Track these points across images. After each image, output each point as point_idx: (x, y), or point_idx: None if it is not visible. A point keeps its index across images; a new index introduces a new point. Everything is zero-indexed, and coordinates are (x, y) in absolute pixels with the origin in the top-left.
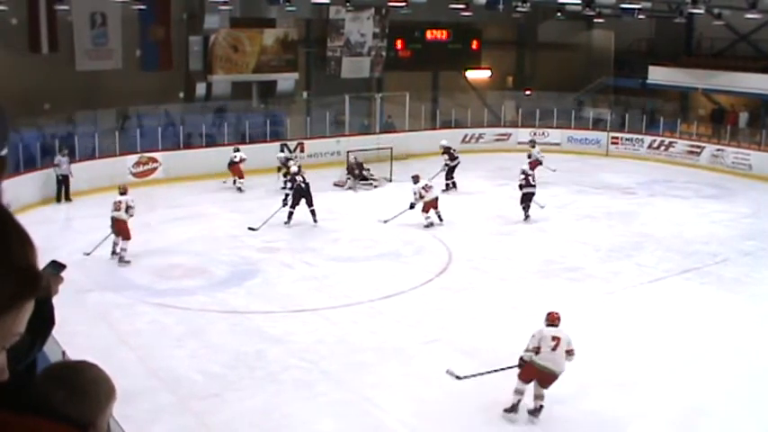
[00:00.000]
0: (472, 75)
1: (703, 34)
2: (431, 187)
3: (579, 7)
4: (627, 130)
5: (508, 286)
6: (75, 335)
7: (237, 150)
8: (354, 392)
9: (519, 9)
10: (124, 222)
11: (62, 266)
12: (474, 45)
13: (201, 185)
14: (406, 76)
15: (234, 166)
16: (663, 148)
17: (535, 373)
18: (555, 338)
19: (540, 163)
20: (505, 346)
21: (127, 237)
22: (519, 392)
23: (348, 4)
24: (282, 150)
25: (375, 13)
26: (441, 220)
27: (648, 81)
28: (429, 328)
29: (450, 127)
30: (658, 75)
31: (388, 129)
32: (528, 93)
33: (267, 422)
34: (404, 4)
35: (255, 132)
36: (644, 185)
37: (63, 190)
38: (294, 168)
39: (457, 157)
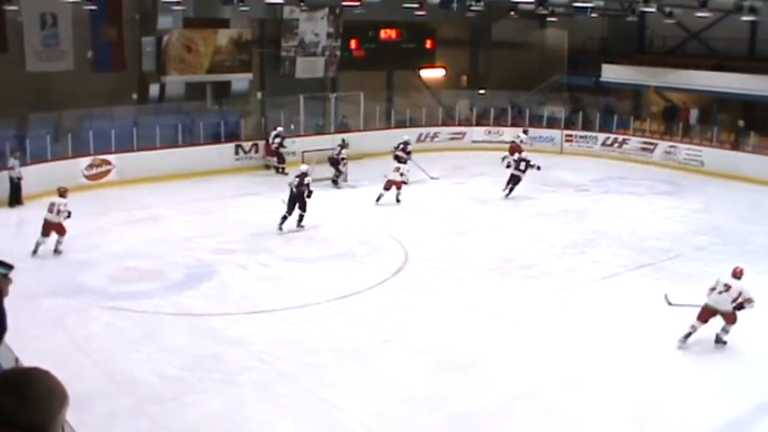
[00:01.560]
0: (426, 74)
1: (655, 32)
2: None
3: (532, 6)
4: (581, 128)
5: (464, 285)
6: (29, 340)
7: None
8: (312, 393)
9: (473, 8)
10: (57, 224)
11: (9, 267)
12: (428, 44)
13: (156, 187)
14: (361, 76)
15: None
16: (616, 145)
17: (708, 312)
18: (726, 285)
19: (520, 151)
20: (462, 344)
21: (63, 233)
22: (692, 328)
23: (302, 4)
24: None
25: (329, 12)
26: (398, 201)
27: (601, 79)
28: (386, 328)
29: (404, 126)
30: (611, 73)
31: (342, 129)
32: (482, 91)
33: (225, 424)
34: (358, 3)
35: (210, 133)
36: (598, 182)
37: (15, 193)
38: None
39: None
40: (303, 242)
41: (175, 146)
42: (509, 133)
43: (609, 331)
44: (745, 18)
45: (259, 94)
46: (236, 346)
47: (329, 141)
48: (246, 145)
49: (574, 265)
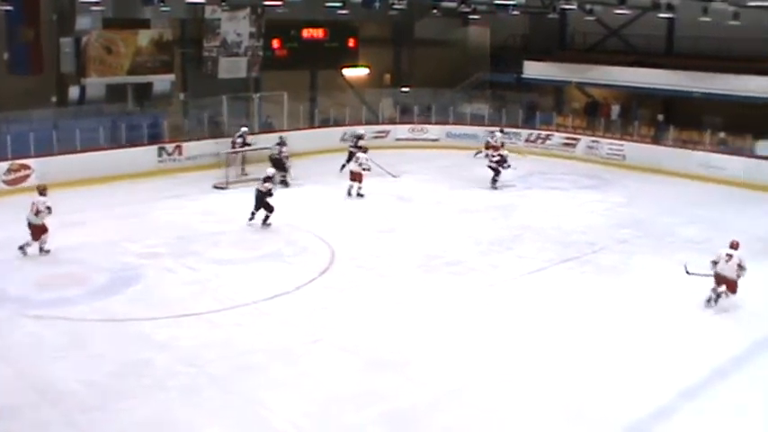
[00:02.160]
0: (350, 73)
1: (576, 29)
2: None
3: (455, 4)
4: (504, 125)
5: (391, 283)
6: None
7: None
8: (243, 395)
9: (395, 7)
10: (41, 226)
11: None
12: (351, 43)
13: (78, 191)
14: (284, 76)
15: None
16: (540, 141)
17: (720, 279)
18: (728, 255)
19: (496, 149)
20: (391, 342)
21: (45, 231)
22: (714, 291)
23: (223, 4)
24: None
25: (251, 12)
26: (360, 195)
27: (524, 76)
28: (315, 328)
29: (328, 125)
30: (533, 70)
31: (266, 129)
32: (405, 90)
33: (156, 431)
34: (280, 3)
35: (132, 135)
36: (522, 178)
37: None
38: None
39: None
40: (230, 244)
41: (97, 148)
42: (433, 131)
43: (536, 325)
44: (662, 15)
45: (181, 95)
46: (164, 351)
47: (252, 141)
48: (170, 147)
49: (500, 260)
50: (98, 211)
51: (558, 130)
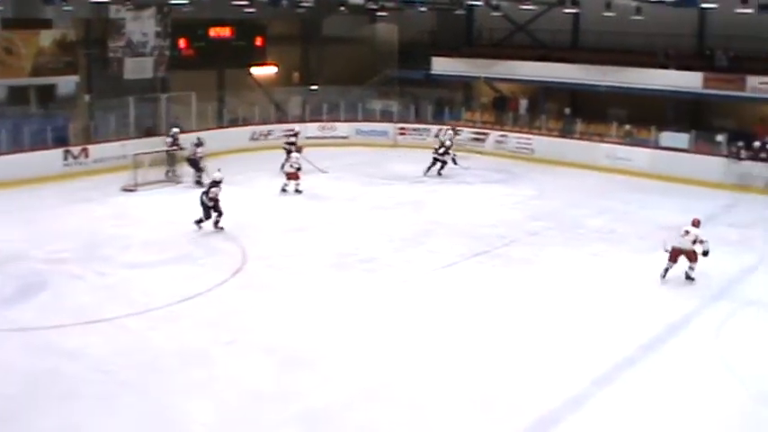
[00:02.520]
0: (258, 72)
1: (483, 25)
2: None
3: (362, 1)
4: (413, 121)
5: (305, 281)
6: None
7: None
8: (157, 401)
9: (303, 4)
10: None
11: None
12: (259, 42)
13: None
14: (192, 76)
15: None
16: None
17: (676, 252)
18: (686, 231)
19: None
20: (306, 341)
21: None
22: (668, 266)
23: (128, 3)
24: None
25: (157, 11)
26: (298, 191)
27: (432, 72)
28: (229, 329)
29: (237, 125)
30: (441, 65)
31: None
32: (314, 87)
33: None
34: (186, 1)
35: (36, 139)
36: (432, 174)
37: None
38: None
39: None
40: (140, 247)
41: None
42: (342, 128)
43: (449, 319)
44: (567, 10)
45: (87, 97)
46: (74, 359)
47: (161, 143)
48: (75, 150)
49: (412, 256)
50: (1, 218)
51: (466, 125)
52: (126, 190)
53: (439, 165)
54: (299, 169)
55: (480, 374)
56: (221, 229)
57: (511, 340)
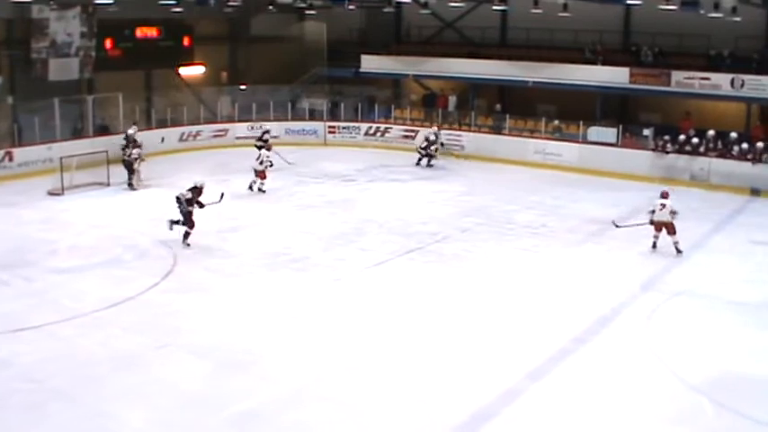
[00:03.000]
0: (186, 72)
1: (412, 23)
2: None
3: (290, 0)
4: (343, 119)
5: (236, 282)
6: None
7: None
8: (88, 408)
9: (230, 3)
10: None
11: None
12: (186, 41)
13: None
14: (119, 76)
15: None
16: (379, 134)
17: (658, 225)
18: (662, 204)
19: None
20: (240, 342)
21: None
22: (655, 237)
23: (52, 3)
24: None
25: (81, 11)
26: (261, 191)
27: (361, 70)
28: (160, 333)
29: (166, 126)
30: (371, 63)
31: (102, 131)
32: (243, 87)
33: None
34: (111, 1)
35: None
36: (363, 172)
37: None
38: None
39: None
40: (68, 252)
41: None
42: (272, 128)
43: (382, 317)
44: (495, 7)
45: (9, 99)
46: (1, 369)
47: (88, 145)
48: None
49: (344, 254)
50: None
51: (396, 123)
52: (53, 194)
53: (427, 158)
54: (269, 166)
55: (414, 371)
56: (188, 245)
57: (445, 336)
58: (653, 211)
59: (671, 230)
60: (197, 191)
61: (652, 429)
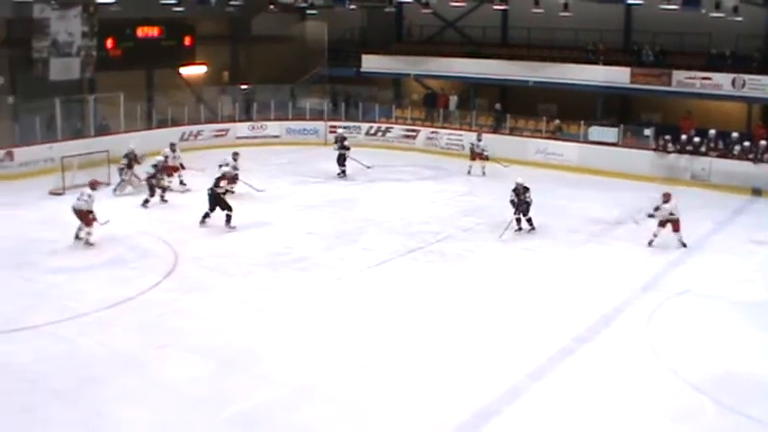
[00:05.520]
0: (187, 71)
1: (413, 22)
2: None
3: None
4: (344, 119)
5: (238, 282)
6: None
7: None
8: (88, 409)
9: (232, 3)
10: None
11: None
12: (187, 41)
13: None
14: (120, 76)
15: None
16: (380, 133)
17: (663, 221)
18: (657, 207)
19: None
20: (241, 342)
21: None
22: (654, 235)
23: (53, 3)
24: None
25: (83, 10)
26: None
27: (362, 69)
28: (161, 333)
29: (166, 125)
30: (371, 63)
31: (102, 131)
32: (244, 87)
33: None
34: (112, 0)
35: None
36: (364, 172)
37: None
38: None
39: (349, 147)
40: (69, 252)
41: None
42: (273, 127)
43: (385, 316)
44: (496, 7)
45: (10, 99)
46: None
47: (89, 145)
48: (0, 153)
49: (345, 254)
50: None
51: (397, 123)
52: (54, 193)
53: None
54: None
55: (417, 370)
56: (233, 227)
57: (447, 335)
58: (657, 208)
59: (675, 227)
60: (221, 178)
61: (653, 428)
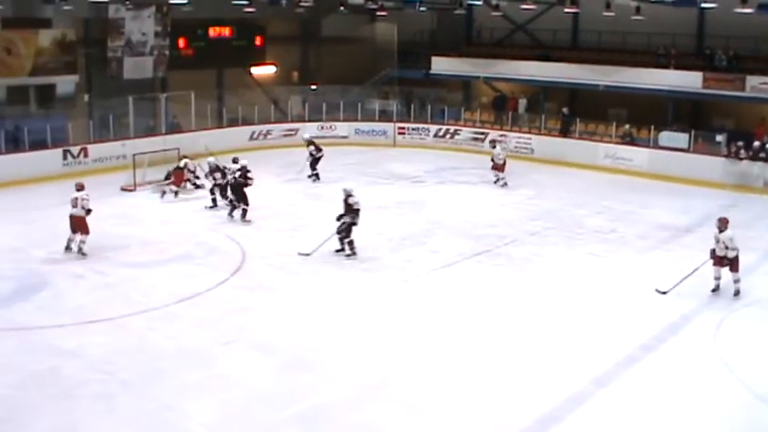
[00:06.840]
0: (257, 71)
1: (483, 25)
2: None
3: (362, 1)
4: (413, 120)
5: (303, 281)
6: None
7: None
8: (156, 401)
9: (302, 4)
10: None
11: None
12: (258, 41)
13: None
14: (191, 75)
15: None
16: (448, 136)
17: (718, 259)
18: (716, 238)
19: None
20: (306, 340)
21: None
22: (716, 279)
23: (128, 3)
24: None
25: (156, 11)
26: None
27: (432, 71)
28: (228, 329)
29: (237, 124)
30: (441, 65)
31: (174, 129)
32: (314, 87)
33: None
34: (185, 1)
35: (35, 139)
36: (432, 173)
37: None
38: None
39: (321, 150)
40: (140, 247)
41: None
42: (342, 128)
43: (450, 319)
44: (567, 10)
45: (86, 97)
46: (73, 359)
47: (161, 142)
48: (75, 149)
49: (412, 255)
50: (1, 217)
51: (466, 125)
52: (125, 190)
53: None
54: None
55: (481, 374)
56: (249, 221)
57: (512, 339)
58: (714, 250)
59: (734, 267)
60: (243, 169)
61: None
